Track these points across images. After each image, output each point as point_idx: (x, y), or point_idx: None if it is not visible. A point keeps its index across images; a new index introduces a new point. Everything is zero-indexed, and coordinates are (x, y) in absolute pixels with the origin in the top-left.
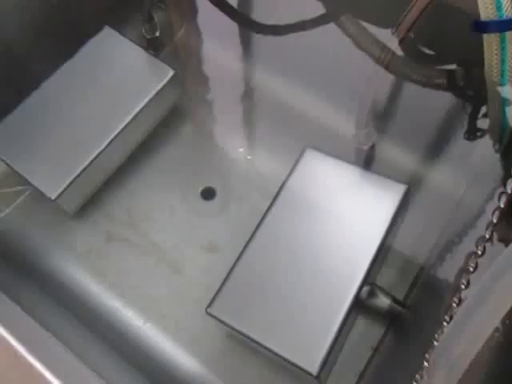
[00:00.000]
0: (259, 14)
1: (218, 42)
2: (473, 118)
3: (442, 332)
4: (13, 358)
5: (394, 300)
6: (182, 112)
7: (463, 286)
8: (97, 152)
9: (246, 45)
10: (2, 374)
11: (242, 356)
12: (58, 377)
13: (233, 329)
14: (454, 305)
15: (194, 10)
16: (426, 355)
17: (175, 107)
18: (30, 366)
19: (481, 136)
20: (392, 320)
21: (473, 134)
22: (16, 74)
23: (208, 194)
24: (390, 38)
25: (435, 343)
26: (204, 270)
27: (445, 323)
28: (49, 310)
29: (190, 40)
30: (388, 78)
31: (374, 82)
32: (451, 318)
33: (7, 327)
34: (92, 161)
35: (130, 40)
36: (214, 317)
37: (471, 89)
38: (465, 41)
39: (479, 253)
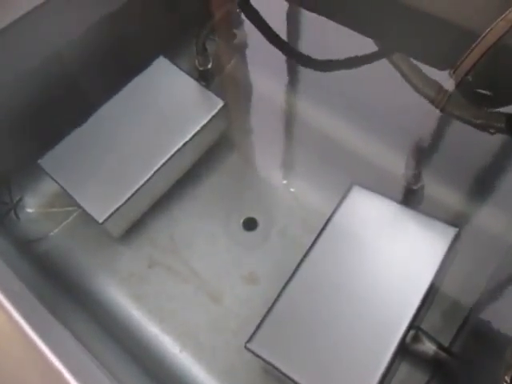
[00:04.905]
0: (309, 49)
1: (266, 75)
2: None
3: None
4: (52, 374)
5: (440, 347)
6: (229, 142)
7: None
8: (145, 179)
9: (294, 78)
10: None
11: None
12: None
13: (272, 366)
14: None
15: (243, 43)
16: None
17: (222, 137)
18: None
19: None
20: (436, 366)
21: None
22: (74, 101)
23: (250, 224)
24: (445, 80)
25: None
26: (243, 300)
27: None
28: (88, 327)
29: (239, 71)
30: (440, 119)
31: (428, 123)
32: None
33: (45, 341)
34: (140, 188)
35: (183, 70)
36: (253, 352)
37: None
38: None
39: None
